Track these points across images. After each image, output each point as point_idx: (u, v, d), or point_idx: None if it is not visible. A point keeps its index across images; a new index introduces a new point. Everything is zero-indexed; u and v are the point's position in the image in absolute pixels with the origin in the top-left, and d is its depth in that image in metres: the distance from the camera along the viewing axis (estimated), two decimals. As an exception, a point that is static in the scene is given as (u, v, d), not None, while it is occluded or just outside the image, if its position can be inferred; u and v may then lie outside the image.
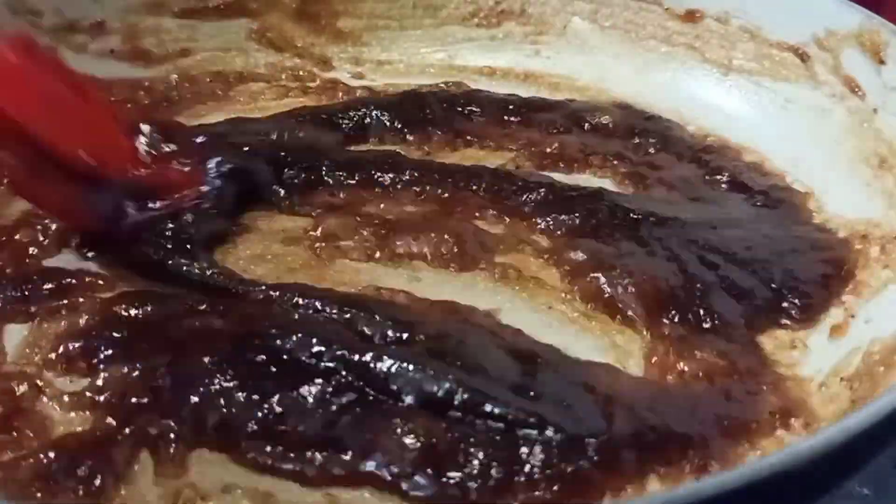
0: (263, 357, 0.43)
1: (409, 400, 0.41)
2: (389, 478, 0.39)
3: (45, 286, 0.48)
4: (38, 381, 0.43)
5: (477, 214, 0.55)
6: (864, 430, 0.32)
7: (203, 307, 0.47)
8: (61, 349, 0.45)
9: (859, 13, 0.61)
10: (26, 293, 0.48)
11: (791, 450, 0.31)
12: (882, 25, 0.60)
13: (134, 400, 0.42)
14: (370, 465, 0.39)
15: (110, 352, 0.44)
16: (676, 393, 0.43)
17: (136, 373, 0.43)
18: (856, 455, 0.34)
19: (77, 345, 0.45)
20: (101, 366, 0.44)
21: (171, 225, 0.51)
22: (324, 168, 0.58)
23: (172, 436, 0.40)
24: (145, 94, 0.68)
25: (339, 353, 0.43)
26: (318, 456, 0.40)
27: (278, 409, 0.41)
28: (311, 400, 0.41)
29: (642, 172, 0.60)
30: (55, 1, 0.67)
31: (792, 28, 0.65)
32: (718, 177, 0.60)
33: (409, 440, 0.40)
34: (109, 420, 0.41)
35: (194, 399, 0.41)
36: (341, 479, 0.39)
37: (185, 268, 0.49)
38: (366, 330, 0.45)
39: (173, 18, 0.71)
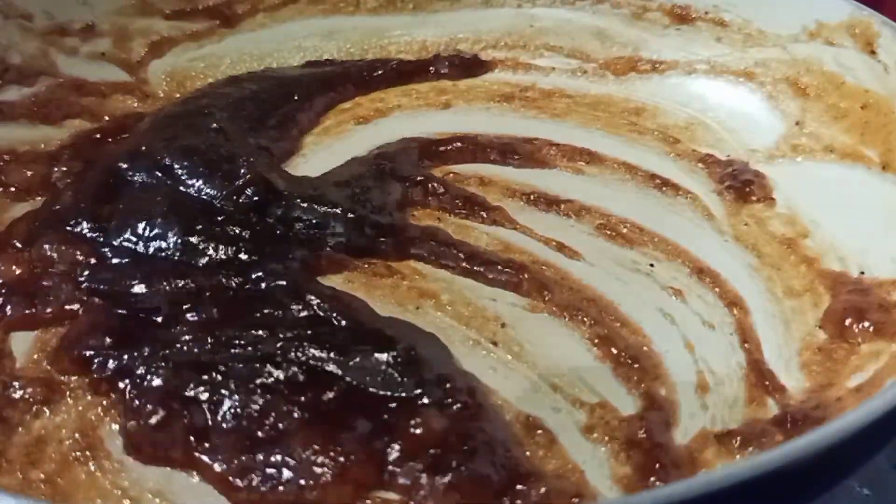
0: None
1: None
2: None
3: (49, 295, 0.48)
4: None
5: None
6: (864, 429, 0.32)
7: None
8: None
9: (849, 4, 0.61)
10: (31, 300, 0.48)
11: (790, 449, 0.31)
12: (872, 16, 0.60)
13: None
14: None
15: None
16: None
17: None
18: (855, 455, 0.35)
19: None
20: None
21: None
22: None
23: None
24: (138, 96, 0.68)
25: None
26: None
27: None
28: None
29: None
30: (45, 4, 0.67)
31: (782, 20, 0.65)
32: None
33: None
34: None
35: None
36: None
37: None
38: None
39: (164, 20, 0.71)
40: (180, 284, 0.48)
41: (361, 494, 0.39)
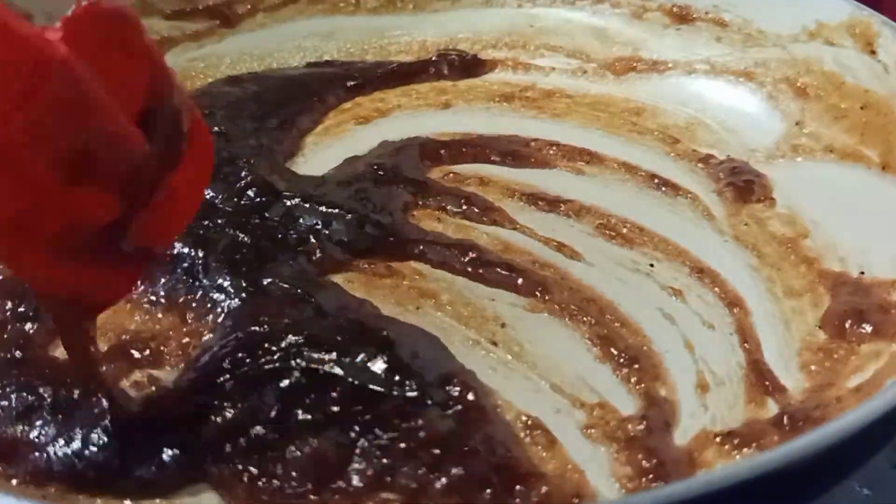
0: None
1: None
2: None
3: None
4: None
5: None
6: (864, 429, 0.32)
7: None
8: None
9: (849, 4, 0.62)
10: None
11: (790, 449, 0.31)
12: (872, 16, 0.60)
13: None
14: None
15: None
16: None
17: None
18: (855, 455, 0.35)
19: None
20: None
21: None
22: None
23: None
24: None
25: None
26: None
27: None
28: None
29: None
30: (45, 4, 0.67)
31: (782, 20, 0.65)
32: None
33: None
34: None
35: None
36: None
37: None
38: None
39: (164, 20, 0.71)
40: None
41: (361, 494, 0.39)
